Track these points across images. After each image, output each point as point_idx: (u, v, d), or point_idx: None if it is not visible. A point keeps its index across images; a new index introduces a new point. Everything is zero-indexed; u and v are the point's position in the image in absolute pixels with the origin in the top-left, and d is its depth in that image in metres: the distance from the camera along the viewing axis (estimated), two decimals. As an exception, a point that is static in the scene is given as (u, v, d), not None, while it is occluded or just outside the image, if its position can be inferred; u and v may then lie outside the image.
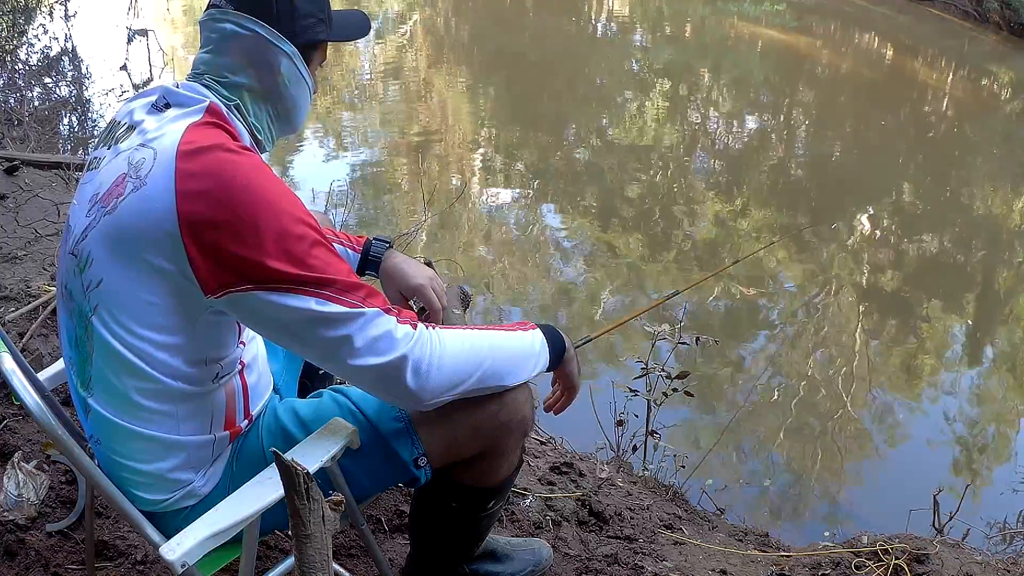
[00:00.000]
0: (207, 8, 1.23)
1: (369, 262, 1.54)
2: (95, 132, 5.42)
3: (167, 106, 1.17)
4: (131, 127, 1.18)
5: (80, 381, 1.18)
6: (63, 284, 1.18)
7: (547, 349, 1.32)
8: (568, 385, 1.42)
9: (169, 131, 1.12)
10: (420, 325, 1.16)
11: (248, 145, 1.18)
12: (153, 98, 1.20)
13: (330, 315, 1.09)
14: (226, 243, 1.05)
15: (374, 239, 1.56)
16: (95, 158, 1.21)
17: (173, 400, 1.16)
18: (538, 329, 1.33)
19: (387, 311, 1.13)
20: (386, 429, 1.29)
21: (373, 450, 1.29)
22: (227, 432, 1.25)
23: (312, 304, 1.08)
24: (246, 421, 1.28)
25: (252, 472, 1.20)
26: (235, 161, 1.08)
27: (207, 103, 1.16)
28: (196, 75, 1.22)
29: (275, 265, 1.06)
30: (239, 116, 1.22)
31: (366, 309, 1.11)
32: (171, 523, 1.21)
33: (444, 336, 1.18)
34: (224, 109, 1.18)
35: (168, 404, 1.16)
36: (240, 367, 1.24)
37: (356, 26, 1.37)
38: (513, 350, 1.27)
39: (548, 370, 1.36)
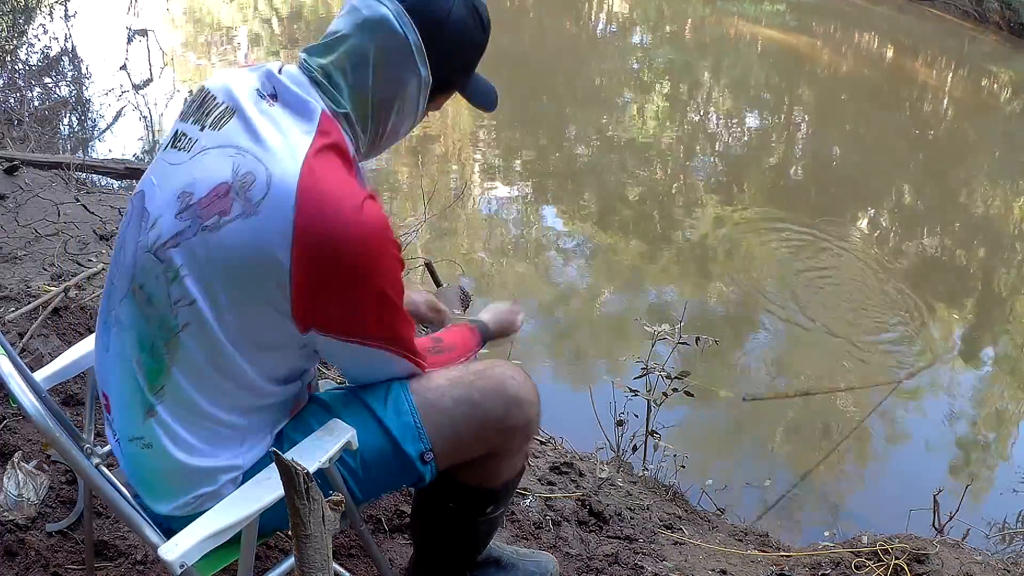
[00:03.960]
0: None
1: None
2: (95, 132, 5.42)
3: (274, 98, 1.11)
4: (231, 110, 1.11)
5: (149, 385, 1.13)
6: (136, 280, 1.12)
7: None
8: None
9: (284, 150, 1.05)
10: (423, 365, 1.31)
11: (361, 178, 1.16)
12: (256, 82, 1.13)
13: (397, 367, 1.26)
14: (331, 298, 1.09)
15: None
16: (184, 134, 1.14)
17: (250, 412, 1.18)
18: (479, 345, 1.50)
19: (415, 355, 1.28)
20: (394, 425, 1.29)
21: (380, 448, 1.29)
22: (273, 436, 1.26)
23: (384, 355, 1.22)
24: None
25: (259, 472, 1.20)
26: (359, 224, 1.06)
27: (319, 111, 1.10)
28: (306, 64, 1.14)
29: (369, 329, 1.16)
30: (347, 125, 1.15)
31: (417, 364, 1.28)
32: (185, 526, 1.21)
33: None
34: (332, 116, 1.12)
35: (244, 417, 1.18)
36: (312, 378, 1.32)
37: (488, 96, 1.33)
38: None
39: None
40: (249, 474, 1.22)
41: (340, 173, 1.09)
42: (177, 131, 1.16)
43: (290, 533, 0.93)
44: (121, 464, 1.24)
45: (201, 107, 1.15)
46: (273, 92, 1.11)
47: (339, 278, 1.08)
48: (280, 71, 1.13)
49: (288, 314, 1.08)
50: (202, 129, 1.12)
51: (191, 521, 1.16)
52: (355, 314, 1.13)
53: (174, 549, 1.09)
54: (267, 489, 1.16)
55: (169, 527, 1.20)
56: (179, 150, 1.13)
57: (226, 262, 1.06)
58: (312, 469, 1.15)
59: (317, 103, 1.10)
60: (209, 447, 1.17)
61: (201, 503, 1.19)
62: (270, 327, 1.10)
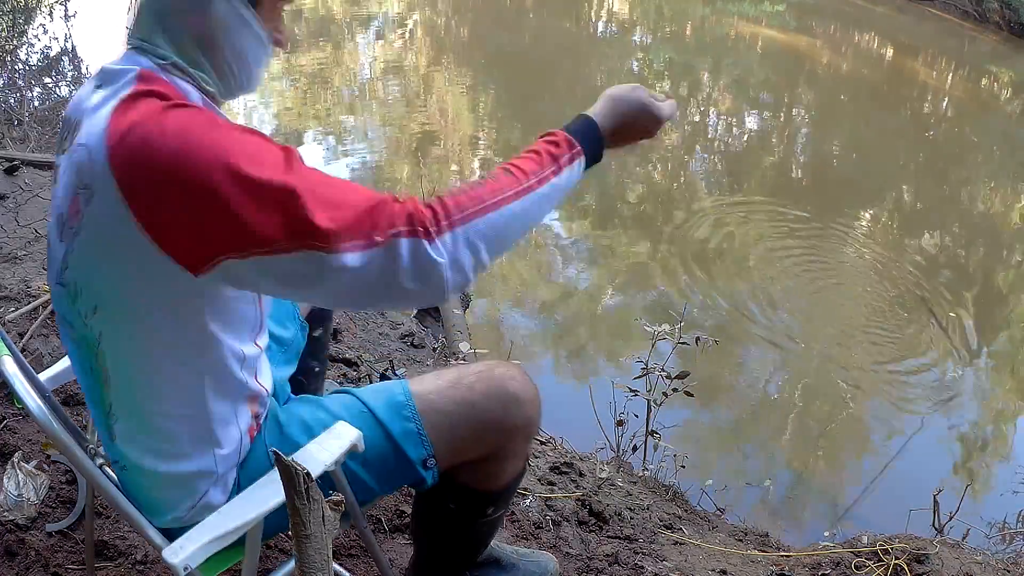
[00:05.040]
0: None
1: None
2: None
3: (100, 86, 1.04)
4: (76, 121, 1.05)
5: (101, 410, 1.12)
6: (61, 315, 1.10)
7: (582, 165, 1.13)
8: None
9: (95, 122, 0.98)
10: (441, 223, 0.98)
11: (187, 101, 1.00)
12: (93, 82, 1.07)
13: (345, 267, 0.94)
14: (189, 219, 0.92)
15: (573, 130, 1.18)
16: (56, 167, 1.09)
17: (201, 405, 1.12)
18: (569, 148, 1.12)
19: (407, 233, 0.95)
20: (396, 430, 1.28)
21: (382, 451, 1.28)
22: (248, 435, 1.22)
23: (317, 258, 0.93)
24: (255, 424, 1.26)
25: (258, 478, 1.19)
26: (160, 131, 0.92)
27: (136, 71, 1.01)
28: (130, 41, 1.09)
29: (252, 224, 0.91)
30: (179, 73, 1.05)
31: (384, 241, 0.94)
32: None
33: (466, 228, 0.99)
34: (159, 71, 1.03)
35: (196, 409, 1.12)
36: (255, 368, 1.19)
37: None
38: (545, 193, 1.08)
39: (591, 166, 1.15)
40: (244, 477, 1.22)
41: (150, 102, 0.97)
42: (55, 168, 1.12)
43: (290, 533, 0.93)
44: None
45: (62, 133, 1.10)
46: (96, 83, 1.05)
47: (178, 194, 0.91)
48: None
49: (175, 266, 0.95)
50: (62, 153, 1.07)
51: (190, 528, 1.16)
52: (223, 215, 0.91)
53: (179, 552, 1.08)
54: (271, 492, 1.15)
55: (170, 528, 1.21)
56: (54, 184, 1.10)
57: (96, 252, 0.99)
58: (318, 472, 1.14)
59: (134, 67, 1.02)
60: (176, 450, 1.14)
61: (193, 515, 1.19)
62: (173, 291, 0.98)
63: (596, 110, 1.19)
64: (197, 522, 1.15)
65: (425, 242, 0.97)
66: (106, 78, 1.04)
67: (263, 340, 1.20)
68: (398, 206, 0.97)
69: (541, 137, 1.15)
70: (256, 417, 1.23)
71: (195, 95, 1.05)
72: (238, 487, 1.23)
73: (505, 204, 1.03)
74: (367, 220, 0.95)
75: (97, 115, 0.98)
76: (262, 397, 1.22)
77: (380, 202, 0.97)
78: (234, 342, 1.10)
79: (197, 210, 0.91)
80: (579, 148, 1.14)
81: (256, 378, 1.20)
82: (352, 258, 0.94)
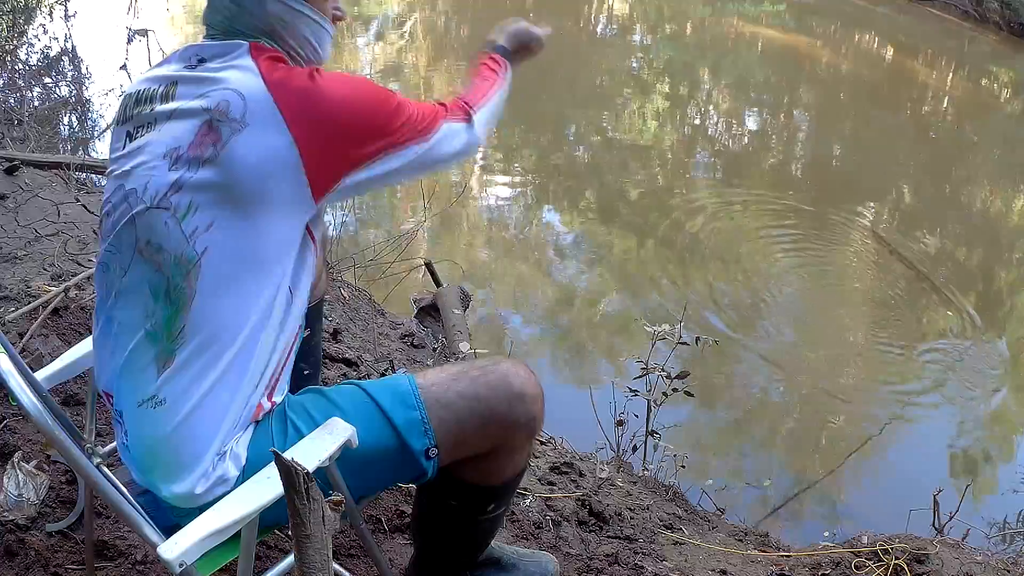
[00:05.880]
0: None
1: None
2: (95, 132, 5.42)
3: (201, 60, 1.20)
4: (173, 82, 1.20)
5: (167, 334, 1.17)
6: (141, 240, 1.17)
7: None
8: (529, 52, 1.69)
9: (238, 75, 1.16)
10: (469, 113, 1.40)
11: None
12: (178, 61, 1.22)
13: (447, 139, 1.33)
14: (337, 145, 1.18)
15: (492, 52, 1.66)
16: (133, 129, 1.22)
17: (255, 346, 1.20)
18: (504, 64, 1.59)
19: (448, 119, 1.35)
20: (400, 419, 1.29)
21: (385, 442, 1.29)
22: (264, 401, 1.25)
23: (427, 140, 1.29)
24: (270, 405, 1.27)
25: (260, 467, 1.20)
26: (320, 78, 1.18)
27: (246, 44, 1.20)
28: (210, 33, 1.25)
29: (375, 146, 1.22)
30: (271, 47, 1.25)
31: (435, 130, 1.32)
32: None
33: (480, 114, 1.42)
34: (260, 43, 1.21)
35: (251, 351, 1.20)
36: (293, 341, 1.28)
37: None
38: (505, 90, 1.54)
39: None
40: (249, 463, 1.23)
41: (288, 65, 1.20)
42: (122, 132, 1.24)
43: (289, 532, 0.93)
44: (128, 448, 1.23)
45: (138, 102, 1.23)
46: (199, 58, 1.21)
47: (334, 129, 1.17)
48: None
49: (307, 187, 1.17)
50: (152, 110, 1.20)
51: (200, 512, 1.16)
52: (370, 131, 1.21)
53: (173, 548, 1.09)
54: (267, 487, 1.16)
55: (174, 524, 1.21)
56: (137, 139, 1.21)
57: (235, 179, 1.13)
58: (312, 468, 1.15)
59: (241, 42, 1.21)
60: (225, 377, 1.18)
61: (215, 484, 1.19)
62: (289, 215, 1.18)
63: (501, 40, 1.65)
64: (207, 502, 1.16)
65: (466, 124, 1.40)
66: (206, 53, 1.21)
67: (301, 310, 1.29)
68: (453, 105, 1.40)
69: (484, 60, 1.59)
70: (273, 403, 1.27)
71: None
72: (245, 471, 1.23)
73: (493, 97, 1.50)
74: (442, 116, 1.36)
75: (234, 71, 1.17)
76: (283, 372, 1.29)
77: (442, 108, 1.37)
78: (295, 287, 1.25)
79: (349, 136, 1.19)
80: (507, 63, 1.61)
81: (291, 349, 1.28)
82: (438, 136, 1.33)
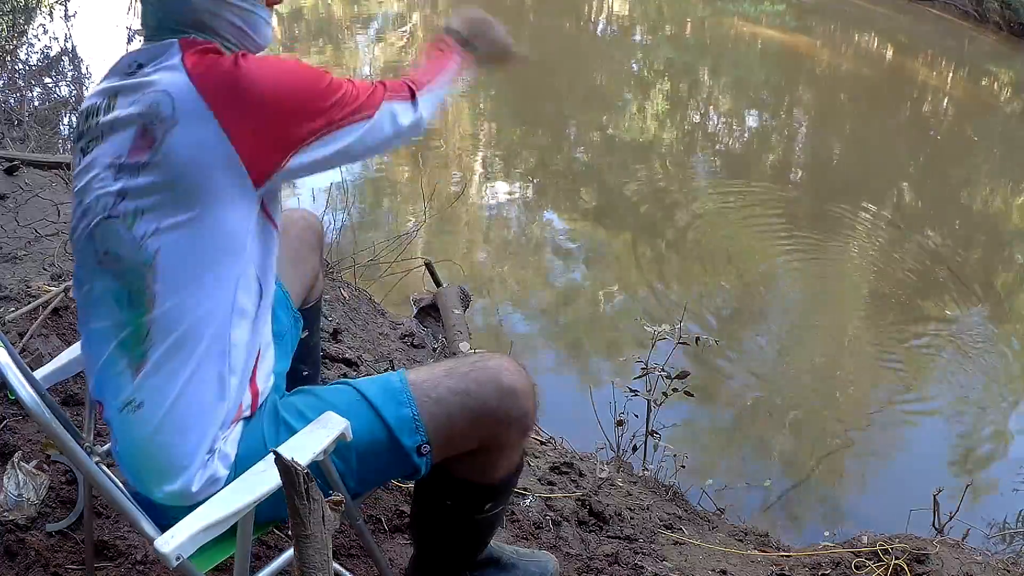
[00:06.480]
0: None
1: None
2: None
3: (140, 66, 1.21)
4: (113, 95, 1.21)
5: (135, 338, 1.18)
6: (99, 251, 1.19)
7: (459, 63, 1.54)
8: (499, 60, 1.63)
9: (167, 73, 1.17)
10: (412, 92, 1.37)
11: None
12: (121, 71, 1.23)
13: (358, 132, 1.27)
14: (268, 129, 1.17)
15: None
16: (86, 144, 1.23)
17: (226, 338, 1.21)
18: (454, 47, 1.53)
19: (389, 98, 1.32)
20: (391, 417, 1.29)
21: (376, 439, 1.29)
22: (247, 395, 1.26)
23: (369, 119, 1.28)
24: (252, 397, 1.28)
25: (251, 465, 1.20)
26: (244, 62, 1.18)
27: (176, 41, 1.19)
28: (146, 37, 1.25)
29: (309, 127, 1.21)
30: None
31: (376, 107, 1.30)
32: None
33: (425, 94, 1.39)
34: (190, 39, 1.21)
35: (222, 344, 1.20)
36: (271, 328, 1.31)
37: None
38: (453, 71, 1.50)
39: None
40: (239, 459, 1.23)
41: (215, 53, 1.19)
42: (79, 149, 1.25)
43: (288, 530, 0.93)
44: (119, 456, 1.24)
45: (86, 118, 1.25)
46: (137, 63, 1.22)
47: (263, 111, 1.16)
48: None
49: (245, 175, 1.16)
50: (97, 123, 1.22)
51: (190, 511, 1.17)
52: (302, 111, 1.20)
53: (169, 542, 1.09)
54: (262, 481, 1.16)
55: (169, 521, 1.21)
56: (89, 154, 1.22)
57: (173, 176, 1.14)
58: (306, 462, 1.15)
59: (171, 40, 1.21)
60: (200, 375, 1.19)
61: (207, 484, 1.20)
62: (234, 205, 1.17)
63: (454, 24, 1.57)
64: (201, 501, 1.17)
65: (411, 103, 1.37)
66: (142, 58, 1.21)
67: (269, 299, 1.30)
68: (394, 84, 1.36)
69: (434, 42, 1.55)
70: (256, 395, 1.28)
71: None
72: (235, 469, 1.24)
73: (440, 78, 1.46)
74: (382, 94, 1.33)
75: (163, 72, 1.17)
76: (260, 373, 1.30)
77: (381, 87, 1.34)
78: (258, 268, 1.25)
79: (279, 119, 1.18)
80: (458, 47, 1.55)
81: (260, 353, 1.29)
82: (380, 115, 1.31)
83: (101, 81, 1.27)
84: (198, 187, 1.15)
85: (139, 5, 1.26)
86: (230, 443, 1.24)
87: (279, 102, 1.18)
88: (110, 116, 1.20)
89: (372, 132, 1.29)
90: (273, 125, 1.18)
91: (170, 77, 1.16)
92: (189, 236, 1.16)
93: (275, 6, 1.32)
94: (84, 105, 1.27)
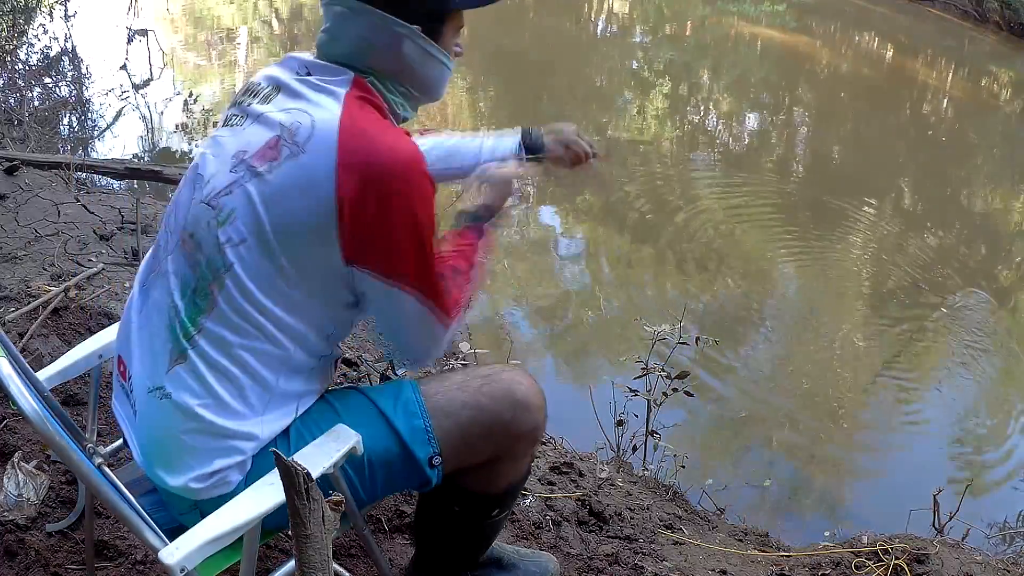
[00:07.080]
0: None
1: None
2: (95, 132, 5.42)
3: (309, 73, 1.20)
4: (277, 87, 1.21)
5: (184, 330, 1.17)
6: (187, 230, 1.18)
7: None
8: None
9: (325, 101, 1.16)
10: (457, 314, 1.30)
11: (395, 124, 1.22)
12: (292, 66, 1.23)
13: (425, 321, 1.24)
14: (372, 232, 1.14)
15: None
16: (234, 115, 1.23)
17: (280, 370, 1.19)
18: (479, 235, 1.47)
19: (446, 322, 1.27)
20: (404, 428, 1.29)
21: (389, 450, 1.29)
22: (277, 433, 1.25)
23: (416, 304, 1.21)
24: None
25: (264, 473, 1.20)
26: (395, 151, 1.14)
27: (351, 75, 1.19)
28: (326, 54, 1.23)
29: (407, 270, 1.18)
30: (378, 86, 1.23)
31: (442, 320, 1.25)
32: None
33: (453, 327, 1.30)
34: (367, 84, 1.20)
35: (274, 374, 1.19)
36: (307, 394, 1.28)
37: None
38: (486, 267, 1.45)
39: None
40: (259, 463, 1.22)
41: (377, 116, 1.18)
42: (228, 115, 1.25)
43: (290, 533, 0.93)
44: (134, 427, 1.23)
45: (247, 92, 1.25)
46: (308, 70, 1.21)
47: (381, 204, 1.13)
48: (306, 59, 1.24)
49: (335, 243, 1.13)
50: (251, 105, 1.22)
51: (202, 518, 1.16)
52: (396, 251, 1.17)
53: (175, 553, 1.08)
54: (270, 493, 1.15)
55: (177, 525, 1.20)
56: (231, 127, 1.22)
57: (277, 201, 1.12)
58: (316, 474, 1.14)
59: (347, 71, 1.20)
60: (232, 401, 1.17)
61: (209, 488, 1.19)
62: (314, 264, 1.15)
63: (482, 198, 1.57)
64: (208, 499, 1.17)
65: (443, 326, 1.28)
66: (314, 68, 1.21)
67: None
68: (448, 303, 1.27)
69: (462, 242, 1.44)
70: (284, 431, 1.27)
71: (387, 110, 1.23)
72: (248, 477, 1.23)
73: (472, 290, 1.37)
74: (444, 307, 1.27)
75: (323, 96, 1.16)
76: (324, 384, 1.31)
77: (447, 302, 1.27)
78: (327, 337, 1.24)
79: (383, 228, 1.14)
80: (483, 229, 1.50)
81: (321, 383, 1.29)
82: (438, 325, 1.26)
83: (275, 64, 1.26)
84: (286, 225, 1.12)
85: (323, 35, 1.23)
86: (247, 462, 1.23)
87: (392, 226, 1.14)
88: (262, 108, 1.19)
89: (410, 317, 1.23)
90: (377, 222, 1.13)
91: (325, 104, 1.15)
92: (266, 266, 1.14)
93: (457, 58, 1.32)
94: (254, 78, 1.27)
